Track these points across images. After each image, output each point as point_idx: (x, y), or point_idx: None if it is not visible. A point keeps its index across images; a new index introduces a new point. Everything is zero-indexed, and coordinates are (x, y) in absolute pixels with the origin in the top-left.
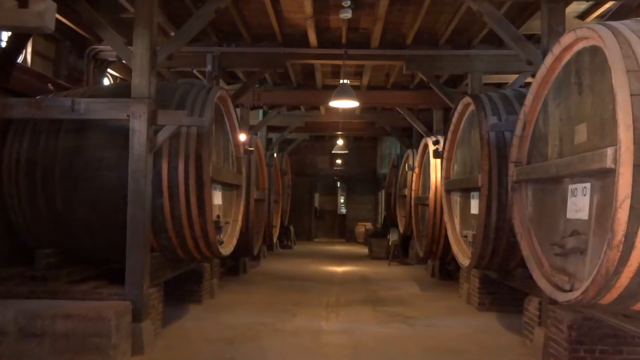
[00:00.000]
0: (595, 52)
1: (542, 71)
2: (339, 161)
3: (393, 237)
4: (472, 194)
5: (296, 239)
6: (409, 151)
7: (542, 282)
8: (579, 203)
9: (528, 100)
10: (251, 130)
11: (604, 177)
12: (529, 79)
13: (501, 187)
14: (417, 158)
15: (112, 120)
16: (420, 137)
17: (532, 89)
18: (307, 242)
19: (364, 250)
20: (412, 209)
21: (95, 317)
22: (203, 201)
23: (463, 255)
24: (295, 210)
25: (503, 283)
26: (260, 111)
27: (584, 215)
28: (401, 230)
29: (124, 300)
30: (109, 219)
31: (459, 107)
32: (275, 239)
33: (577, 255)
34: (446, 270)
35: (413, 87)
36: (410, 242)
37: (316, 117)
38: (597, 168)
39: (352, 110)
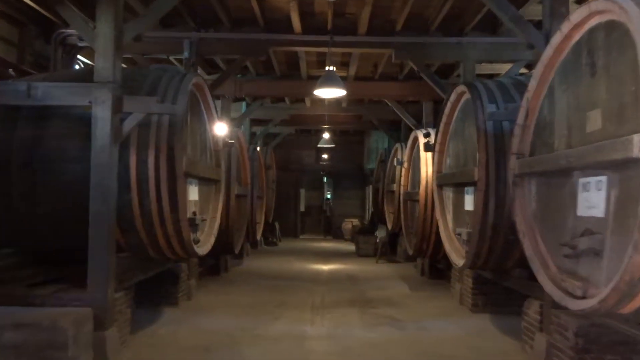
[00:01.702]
0: (612, 28)
1: (547, 53)
2: (325, 156)
3: (381, 234)
4: (466, 189)
5: (281, 236)
6: (397, 145)
7: (549, 286)
8: (593, 199)
9: (531, 86)
10: (233, 122)
11: (625, 169)
12: (523, 70)
13: (499, 182)
14: (407, 152)
15: (76, 107)
16: (409, 130)
17: (536, 73)
18: (293, 239)
19: (351, 247)
20: (401, 205)
21: (49, 326)
22: (176, 197)
23: (457, 254)
24: (280, 206)
25: (498, 283)
26: (243, 103)
27: (598, 212)
28: (389, 227)
29: (86, 306)
30: (74, 216)
31: (452, 97)
32: (259, 236)
33: (591, 258)
34: (436, 269)
35: (402, 78)
36: (399, 239)
37: (301, 109)
38: (618, 158)
39: (339, 102)
